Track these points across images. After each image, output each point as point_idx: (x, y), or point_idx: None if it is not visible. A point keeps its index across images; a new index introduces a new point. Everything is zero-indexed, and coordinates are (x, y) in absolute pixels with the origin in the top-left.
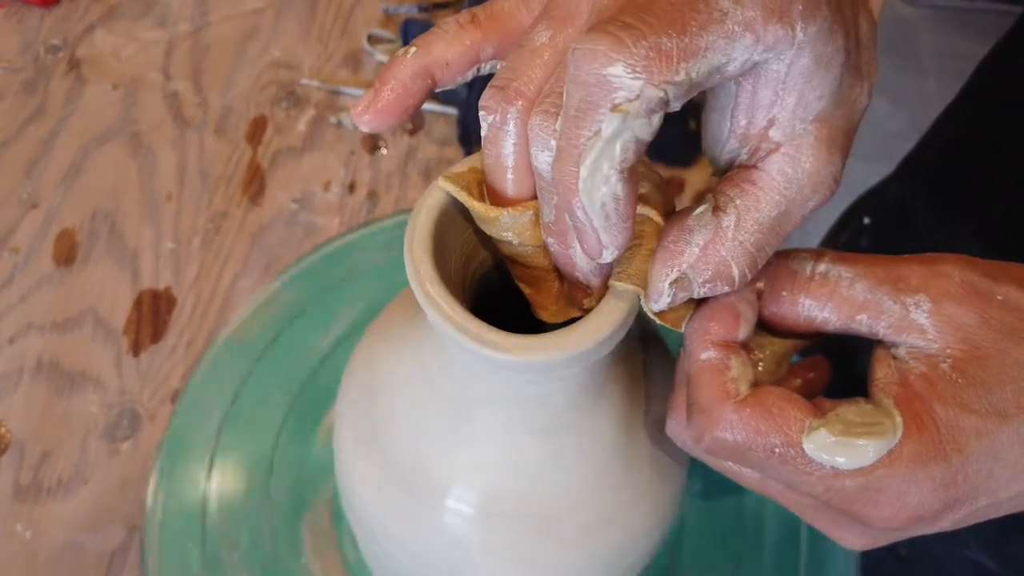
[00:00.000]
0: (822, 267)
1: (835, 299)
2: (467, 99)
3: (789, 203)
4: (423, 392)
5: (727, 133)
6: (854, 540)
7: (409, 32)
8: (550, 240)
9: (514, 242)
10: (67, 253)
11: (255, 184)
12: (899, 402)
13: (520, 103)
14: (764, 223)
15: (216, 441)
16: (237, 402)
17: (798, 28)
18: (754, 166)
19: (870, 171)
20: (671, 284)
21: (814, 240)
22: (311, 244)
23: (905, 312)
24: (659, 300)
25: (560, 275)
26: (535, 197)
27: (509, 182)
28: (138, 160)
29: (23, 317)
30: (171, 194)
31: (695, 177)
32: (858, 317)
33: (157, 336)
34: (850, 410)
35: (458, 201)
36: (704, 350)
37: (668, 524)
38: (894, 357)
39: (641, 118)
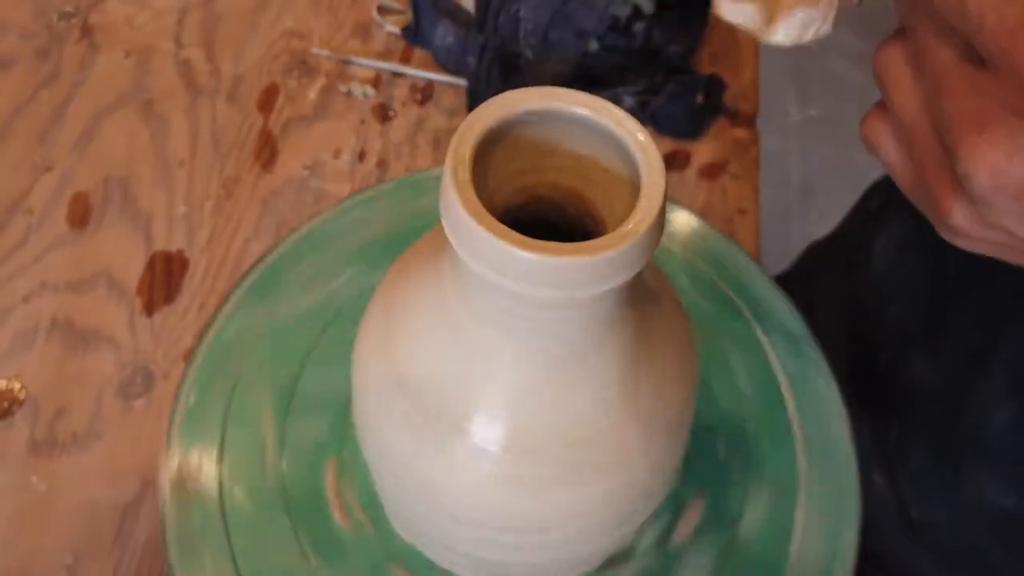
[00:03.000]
0: None
1: None
2: (476, 70)
3: None
4: (442, 327)
5: None
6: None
7: (420, 3)
8: None
9: None
10: (81, 215)
11: (267, 151)
12: None
13: None
14: None
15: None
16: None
17: None
18: None
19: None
20: None
21: (822, 231)
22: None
23: None
24: None
25: None
26: None
27: None
28: (150, 127)
29: (37, 277)
30: (183, 160)
31: (702, 149)
32: None
33: (170, 297)
34: None
35: (492, 136)
36: None
37: (670, 476)
38: None
39: None
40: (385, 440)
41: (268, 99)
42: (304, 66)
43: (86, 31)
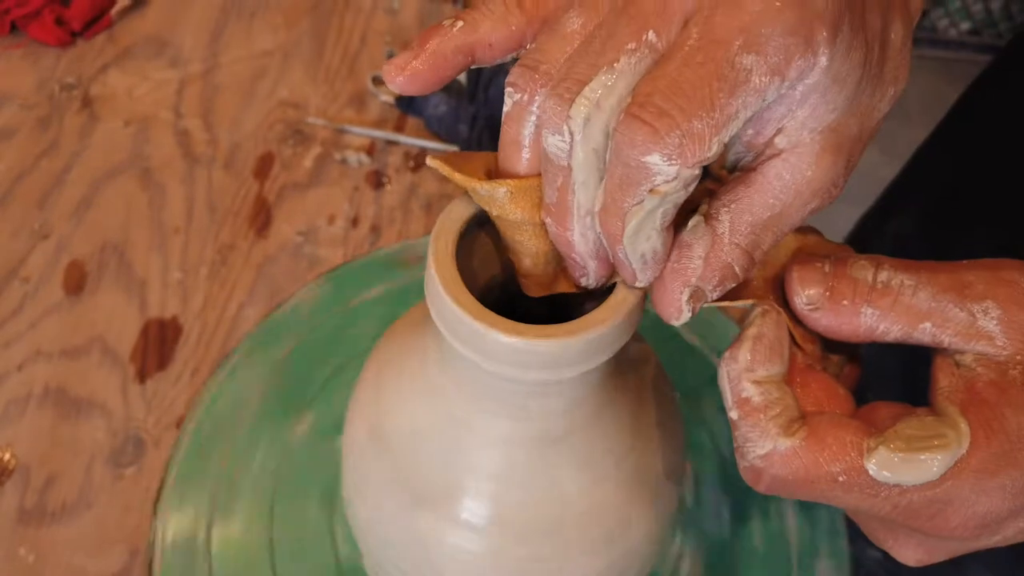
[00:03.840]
0: (884, 275)
1: (898, 308)
2: (468, 137)
3: (784, 207)
4: (428, 406)
5: (733, 138)
6: (910, 554)
7: None
8: (548, 220)
9: (511, 218)
10: (76, 282)
11: (261, 217)
12: (965, 409)
13: (548, 87)
14: (757, 224)
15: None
16: (241, 427)
17: (820, 54)
18: (753, 168)
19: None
20: (688, 300)
21: None
22: (315, 275)
23: (972, 320)
24: (680, 317)
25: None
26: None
27: (524, 161)
28: (148, 194)
29: (32, 344)
30: (179, 227)
31: None
32: (921, 326)
33: (163, 363)
34: (910, 424)
35: (473, 223)
36: (744, 389)
37: (664, 542)
38: (958, 365)
39: (679, 192)
40: (370, 509)
41: (264, 167)
42: (299, 135)
43: (87, 102)
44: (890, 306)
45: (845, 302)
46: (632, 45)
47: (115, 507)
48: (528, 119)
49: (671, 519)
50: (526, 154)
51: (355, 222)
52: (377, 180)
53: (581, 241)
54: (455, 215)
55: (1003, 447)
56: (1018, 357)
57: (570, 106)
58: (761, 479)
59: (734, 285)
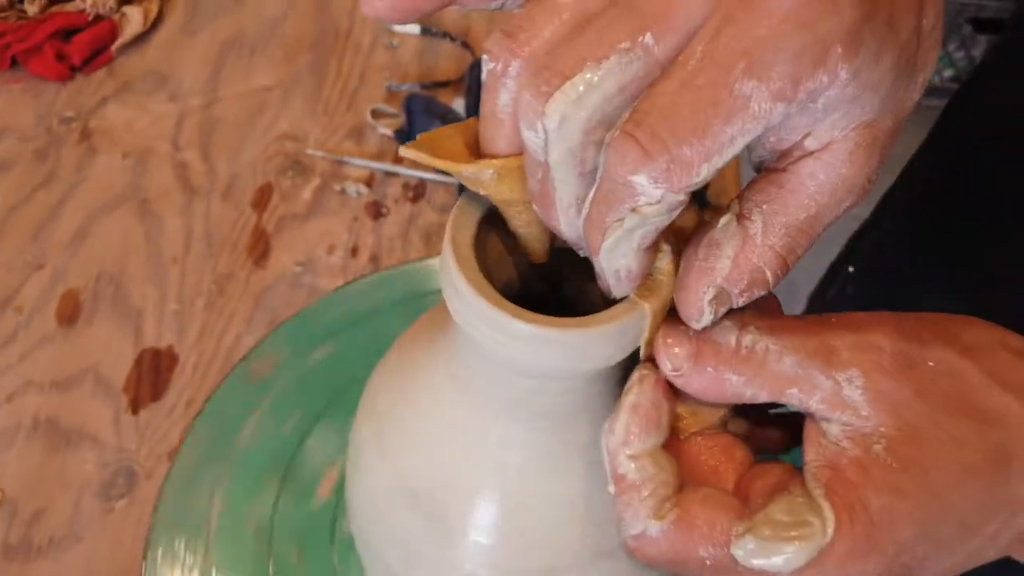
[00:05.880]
0: (748, 339)
1: (763, 374)
2: None
3: (820, 207)
4: (437, 412)
5: (754, 142)
6: None
7: (413, 107)
8: (535, 207)
9: (499, 198)
10: (70, 312)
11: (260, 247)
12: (830, 491)
13: (525, 55)
14: (792, 226)
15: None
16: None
17: (840, 70)
18: (784, 169)
19: (855, 217)
20: (710, 302)
21: (802, 292)
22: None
23: (838, 388)
24: (700, 319)
25: None
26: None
27: (504, 138)
28: (145, 225)
29: (23, 375)
30: (176, 257)
31: None
32: (788, 391)
33: (157, 394)
34: (780, 507)
35: (485, 221)
36: (620, 465)
37: None
38: (824, 435)
39: (662, 215)
40: (384, 531)
41: (262, 198)
42: (299, 166)
43: (85, 135)
44: (755, 371)
45: (709, 368)
46: (626, 44)
47: (105, 541)
48: (502, 91)
49: None
50: (506, 131)
51: (354, 252)
52: (376, 210)
53: (568, 229)
54: (469, 208)
55: (866, 532)
56: (882, 429)
57: (546, 101)
58: (635, 556)
59: (763, 294)
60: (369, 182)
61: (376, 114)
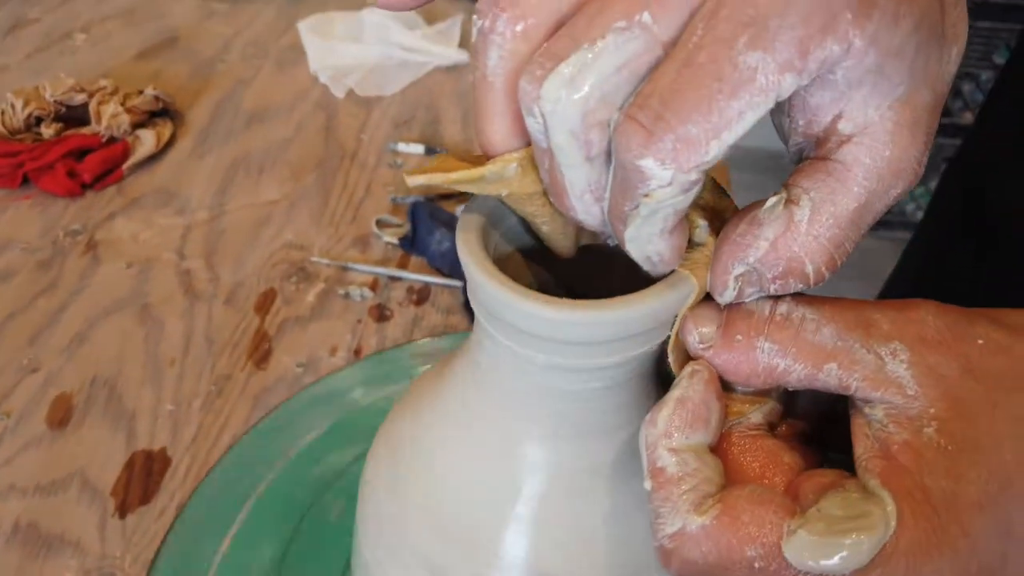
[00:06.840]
0: (783, 307)
1: (799, 344)
2: None
3: (870, 195)
4: (455, 440)
5: (787, 129)
6: None
7: (418, 214)
8: (550, 196)
9: (524, 191)
10: (61, 416)
11: (261, 349)
12: (885, 480)
13: (511, 12)
14: (842, 217)
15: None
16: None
17: (852, 37)
18: (827, 157)
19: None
20: (737, 278)
21: None
22: None
23: (880, 364)
24: (724, 293)
25: None
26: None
27: (497, 103)
28: (145, 329)
29: (6, 479)
30: (175, 359)
31: None
32: (827, 367)
33: (147, 497)
34: (834, 502)
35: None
36: (659, 458)
37: None
38: (869, 424)
39: (676, 196)
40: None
41: (265, 302)
42: (303, 272)
43: (91, 246)
44: (790, 340)
45: (739, 337)
46: (622, 24)
47: None
48: (491, 49)
49: None
50: (498, 96)
51: (358, 352)
52: (380, 313)
53: (587, 217)
54: (474, 234)
55: (930, 521)
56: (932, 410)
57: (540, 85)
58: (671, 562)
59: (801, 288)
60: (373, 287)
61: (381, 224)
